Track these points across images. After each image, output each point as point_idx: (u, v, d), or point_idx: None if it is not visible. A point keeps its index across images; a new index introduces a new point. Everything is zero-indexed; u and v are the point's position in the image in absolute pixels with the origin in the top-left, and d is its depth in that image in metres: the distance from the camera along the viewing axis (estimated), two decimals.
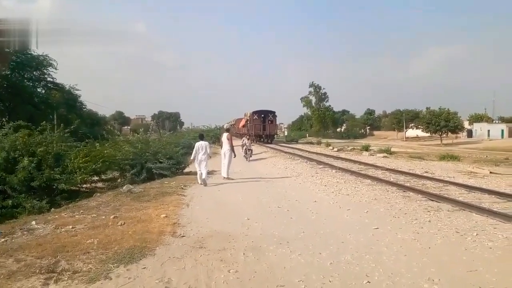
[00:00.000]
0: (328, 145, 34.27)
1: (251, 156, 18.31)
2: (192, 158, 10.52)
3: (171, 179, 11.25)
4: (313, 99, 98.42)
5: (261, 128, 37.13)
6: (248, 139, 19.31)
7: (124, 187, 9.24)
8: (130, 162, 11.88)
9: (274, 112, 39.08)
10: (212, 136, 36.91)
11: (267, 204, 7.62)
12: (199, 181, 10.21)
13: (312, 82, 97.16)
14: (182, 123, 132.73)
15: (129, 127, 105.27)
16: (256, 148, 21.97)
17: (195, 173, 12.52)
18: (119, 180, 12.00)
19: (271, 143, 37.04)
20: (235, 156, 11.49)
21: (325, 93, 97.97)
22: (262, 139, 36.67)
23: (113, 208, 7.19)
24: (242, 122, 45.98)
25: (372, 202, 7.76)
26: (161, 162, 12.14)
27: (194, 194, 8.81)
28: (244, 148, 18.80)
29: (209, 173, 12.93)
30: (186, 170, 13.63)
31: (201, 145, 10.41)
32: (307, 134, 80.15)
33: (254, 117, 38.06)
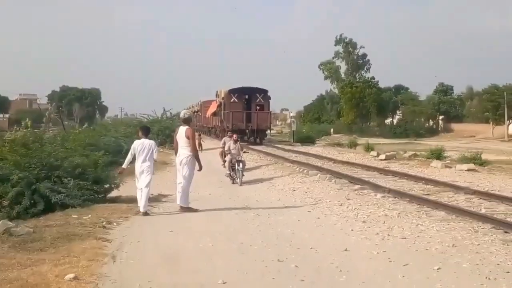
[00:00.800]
0: (369, 148, 34.50)
1: (243, 175, 16.97)
2: (124, 165, 11.31)
3: (85, 210, 11.14)
4: (342, 65, 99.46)
5: (244, 118, 38.28)
6: (237, 140, 18.18)
7: None
8: (12, 187, 11.70)
9: (265, 92, 40.59)
10: (159, 132, 36.47)
11: (258, 255, 7.58)
12: (141, 208, 10.83)
13: (341, 35, 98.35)
14: (105, 109, 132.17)
15: (7, 115, 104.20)
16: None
17: (129, 199, 12.39)
18: None
19: (260, 143, 37.70)
20: (200, 168, 11.48)
21: (364, 56, 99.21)
22: (246, 137, 37.72)
23: None
24: (212, 108, 47.12)
25: (448, 252, 7.80)
26: (63, 182, 12.03)
27: (125, 237, 8.72)
28: (228, 159, 17.58)
29: (154, 198, 12.88)
30: (114, 193, 13.52)
31: (143, 146, 11.01)
32: (332, 129, 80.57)
33: (232, 100, 39.16)
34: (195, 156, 11.32)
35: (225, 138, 19.06)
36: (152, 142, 11.21)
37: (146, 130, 11.58)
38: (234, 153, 17.24)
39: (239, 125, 37.50)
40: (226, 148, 17.95)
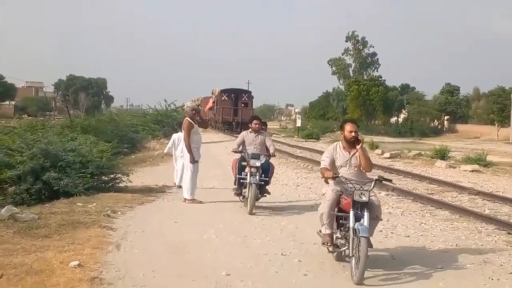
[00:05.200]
0: (374, 146, 34.41)
1: (262, 187, 10.73)
2: (166, 150, 14.74)
3: (89, 199, 11.20)
4: (351, 62, 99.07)
5: (232, 112, 48.49)
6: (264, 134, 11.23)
7: (2, 211, 9.16)
8: (16, 172, 11.76)
9: (249, 92, 52.28)
10: (165, 125, 37.16)
11: (261, 248, 7.63)
12: (175, 181, 13.35)
13: (353, 32, 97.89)
14: (110, 99, 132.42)
15: (13, 102, 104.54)
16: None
17: (132, 190, 12.47)
18: None
19: None
20: (192, 161, 11.56)
21: (374, 54, 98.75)
22: (232, 128, 46.41)
23: None
24: (209, 104, 56.73)
25: (451, 251, 7.85)
26: (66, 172, 12.05)
27: (130, 226, 8.78)
28: (246, 166, 10.47)
29: (159, 189, 13.14)
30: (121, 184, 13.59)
31: (178, 137, 13.38)
32: (336, 126, 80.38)
33: (223, 98, 49.45)
34: (186, 147, 11.29)
35: (244, 133, 11.09)
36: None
37: (181, 125, 13.27)
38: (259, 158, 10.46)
39: (227, 118, 48.46)
40: (244, 153, 10.60)
